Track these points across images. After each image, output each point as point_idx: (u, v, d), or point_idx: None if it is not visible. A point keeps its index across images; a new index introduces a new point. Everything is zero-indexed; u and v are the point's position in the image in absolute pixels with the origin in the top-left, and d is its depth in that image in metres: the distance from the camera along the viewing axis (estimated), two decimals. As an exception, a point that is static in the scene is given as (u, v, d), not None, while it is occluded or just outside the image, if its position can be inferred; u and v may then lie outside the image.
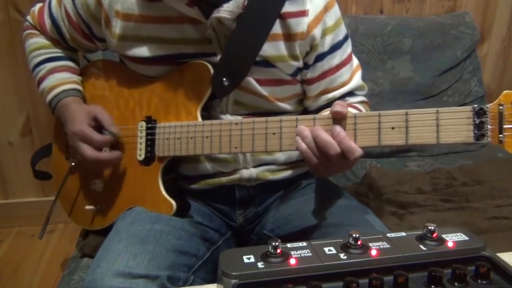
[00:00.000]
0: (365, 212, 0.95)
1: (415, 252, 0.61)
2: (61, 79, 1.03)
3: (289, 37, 0.90)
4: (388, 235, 0.65)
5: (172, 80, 0.94)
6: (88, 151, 0.92)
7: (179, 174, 1.00)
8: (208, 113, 0.94)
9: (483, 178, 1.38)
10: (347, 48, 0.97)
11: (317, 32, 0.90)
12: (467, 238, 0.64)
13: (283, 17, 0.89)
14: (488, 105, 0.69)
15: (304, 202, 0.99)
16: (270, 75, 0.93)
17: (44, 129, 1.82)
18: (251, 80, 0.92)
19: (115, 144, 0.97)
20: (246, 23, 0.87)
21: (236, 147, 0.84)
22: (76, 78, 1.06)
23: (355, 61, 1.01)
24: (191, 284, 0.83)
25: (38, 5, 1.09)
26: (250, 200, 1.02)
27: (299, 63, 0.93)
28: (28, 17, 1.09)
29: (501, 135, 0.68)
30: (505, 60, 2.01)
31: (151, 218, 0.89)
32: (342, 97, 0.98)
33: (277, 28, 0.89)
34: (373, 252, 0.61)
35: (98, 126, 0.95)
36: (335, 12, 0.93)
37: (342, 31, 0.95)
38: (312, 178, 1.06)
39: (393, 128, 0.73)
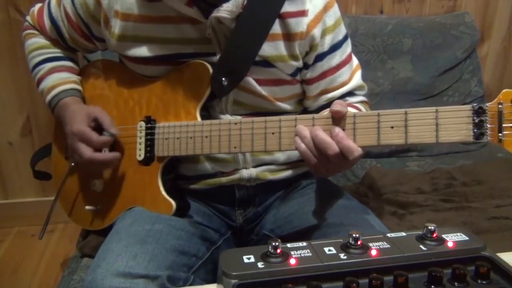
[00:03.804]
0: (365, 212, 0.95)
1: (415, 252, 0.61)
2: (60, 79, 1.03)
3: (288, 37, 0.90)
4: (388, 235, 0.65)
5: (171, 80, 0.94)
6: (86, 151, 0.92)
7: (178, 174, 1.00)
8: (207, 113, 0.94)
9: (483, 178, 1.38)
10: (347, 48, 0.97)
11: (316, 32, 0.90)
12: (467, 238, 0.64)
13: (283, 17, 0.89)
14: (487, 104, 0.69)
15: (304, 202, 0.98)
16: (269, 75, 0.92)
17: (44, 129, 1.82)
18: (250, 80, 0.92)
19: (115, 144, 0.97)
20: (245, 23, 0.87)
21: (235, 147, 0.84)
22: (76, 78, 1.06)
23: (354, 61, 1.01)
24: (191, 284, 0.83)
25: (38, 6, 1.09)
26: (250, 200, 1.02)
27: (299, 63, 0.93)
28: (28, 18, 1.09)
29: (500, 134, 0.68)
30: (505, 60, 2.01)
31: (151, 218, 0.89)
32: (342, 97, 0.98)
33: (276, 28, 0.89)
34: (373, 252, 0.61)
35: (98, 127, 0.95)
36: (335, 12, 0.93)
37: (342, 31, 0.95)
38: (312, 178, 1.05)
39: (392, 127, 0.73)
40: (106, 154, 0.93)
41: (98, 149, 0.93)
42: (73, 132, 0.93)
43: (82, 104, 1.02)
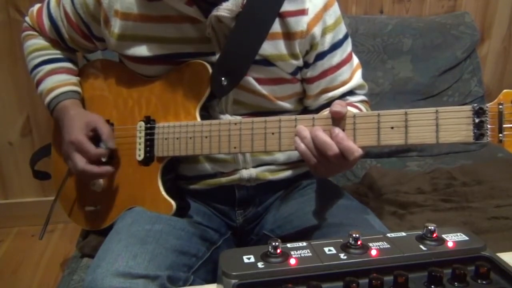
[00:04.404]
0: (365, 212, 0.95)
1: (415, 252, 0.61)
2: (59, 81, 1.03)
3: (288, 36, 0.90)
4: (388, 235, 0.65)
5: (171, 80, 0.94)
6: (80, 162, 0.91)
7: (178, 174, 1.00)
8: (207, 113, 0.94)
9: (483, 178, 1.38)
10: (347, 47, 0.97)
11: (317, 31, 0.90)
12: (467, 238, 0.64)
13: (283, 16, 0.89)
14: (487, 105, 0.69)
15: (304, 202, 0.98)
16: (269, 74, 0.92)
17: (44, 129, 1.82)
18: (250, 79, 0.91)
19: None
20: (245, 22, 0.87)
21: (235, 147, 0.84)
22: (75, 79, 1.05)
23: (355, 60, 1.01)
24: (191, 284, 0.83)
25: (37, 6, 1.09)
26: (250, 200, 1.02)
27: (299, 62, 0.93)
28: (27, 18, 1.09)
29: (501, 135, 0.68)
30: (505, 60, 2.01)
31: (151, 218, 0.89)
32: (343, 96, 0.98)
33: (276, 27, 0.89)
34: (373, 252, 0.61)
35: (96, 137, 0.95)
36: (335, 11, 0.93)
37: (342, 29, 0.95)
38: (312, 178, 1.05)
39: (392, 128, 0.73)
40: (98, 168, 0.93)
41: (92, 160, 0.93)
42: (70, 141, 0.93)
43: (81, 109, 1.02)
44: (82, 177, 0.98)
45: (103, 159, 0.95)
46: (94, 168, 0.92)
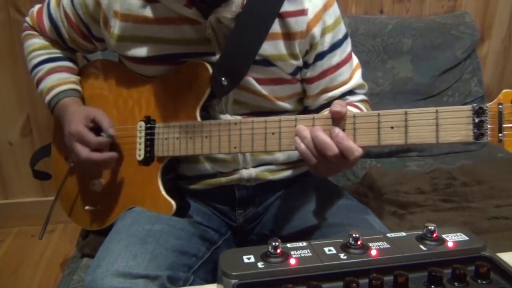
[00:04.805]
0: (365, 212, 0.95)
1: (415, 252, 0.61)
2: (59, 80, 1.03)
3: (288, 36, 0.90)
4: (388, 235, 0.65)
5: (171, 80, 0.94)
6: (83, 151, 0.91)
7: (178, 174, 1.00)
8: (207, 113, 0.94)
9: (483, 178, 1.38)
10: (347, 47, 0.97)
11: (316, 31, 0.90)
12: (467, 238, 0.64)
13: (282, 16, 0.89)
14: (487, 104, 0.69)
15: (304, 202, 0.98)
16: (269, 74, 0.92)
17: (44, 129, 1.82)
18: (250, 80, 0.92)
19: (114, 145, 0.96)
20: (245, 22, 0.87)
21: (235, 147, 0.84)
22: (75, 78, 1.06)
23: (355, 59, 1.01)
24: (191, 284, 0.83)
25: (37, 6, 1.09)
26: (250, 200, 1.02)
27: (299, 62, 0.93)
28: (27, 18, 1.09)
29: (500, 134, 0.68)
30: (505, 60, 2.01)
31: (151, 218, 0.89)
32: (342, 96, 0.98)
33: (276, 27, 0.89)
34: (373, 252, 0.61)
35: (96, 128, 0.95)
36: (334, 11, 0.93)
37: (342, 29, 0.95)
38: (312, 178, 1.05)
39: (392, 127, 0.73)
40: (102, 154, 0.93)
41: (96, 149, 0.92)
42: (70, 133, 0.93)
43: (82, 105, 1.02)
44: (87, 167, 0.97)
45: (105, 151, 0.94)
46: (98, 155, 0.92)
